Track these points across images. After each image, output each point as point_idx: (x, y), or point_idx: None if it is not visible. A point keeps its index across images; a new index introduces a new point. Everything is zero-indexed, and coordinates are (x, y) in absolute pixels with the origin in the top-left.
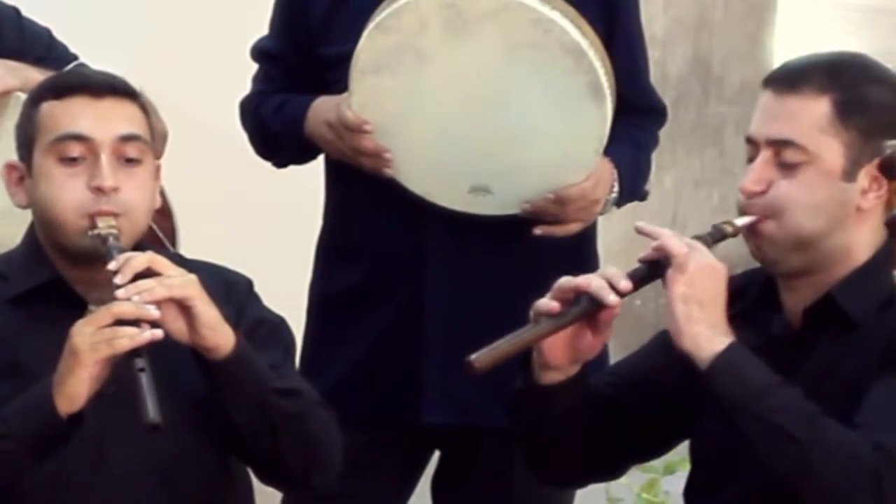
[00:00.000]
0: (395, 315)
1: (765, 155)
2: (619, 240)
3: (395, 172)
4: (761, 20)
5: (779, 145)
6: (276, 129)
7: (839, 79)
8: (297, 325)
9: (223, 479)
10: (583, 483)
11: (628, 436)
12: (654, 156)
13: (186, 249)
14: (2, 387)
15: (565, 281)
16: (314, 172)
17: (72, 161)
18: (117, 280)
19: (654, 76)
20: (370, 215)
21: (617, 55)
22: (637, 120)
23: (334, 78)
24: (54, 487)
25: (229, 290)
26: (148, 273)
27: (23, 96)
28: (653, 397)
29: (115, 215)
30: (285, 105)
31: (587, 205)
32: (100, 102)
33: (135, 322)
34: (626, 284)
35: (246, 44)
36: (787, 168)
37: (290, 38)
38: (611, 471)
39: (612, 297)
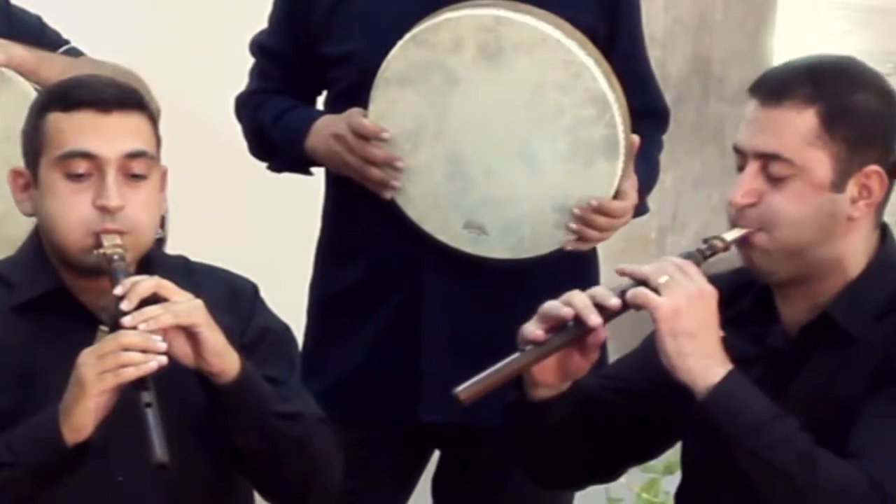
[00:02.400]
0: (394, 315)
1: (752, 167)
2: (618, 240)
3: (394, 193)
4: (761, 20)
5: (766, 158)
6: (274, 136)
7: (825, 89)
8: (298, 325)
9: (225, 490)
10: (581, 486)
11: (624, 438)
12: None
13: (186, 248)
14: (8, 398)
15: (550, 307)
16: (314, 172)
17: (78, 177)
18: (123, 306)
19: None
20: (369, 216)
21: (619, 57)
22: (644, 129)
23: (334, 77)
24: (57, 493)
25: (234, 297)
26: (154, 298)
27: (7, 72)
28: (648, 400)
29: (121, 233)
30: (285, 114)
31: (619, 225)
32: (107, 118)
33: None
34: (614, 302)
35: (245, 39)
36: (776, 181)
37: (290, 37)
38: (608, 473)
39: (594, 318)
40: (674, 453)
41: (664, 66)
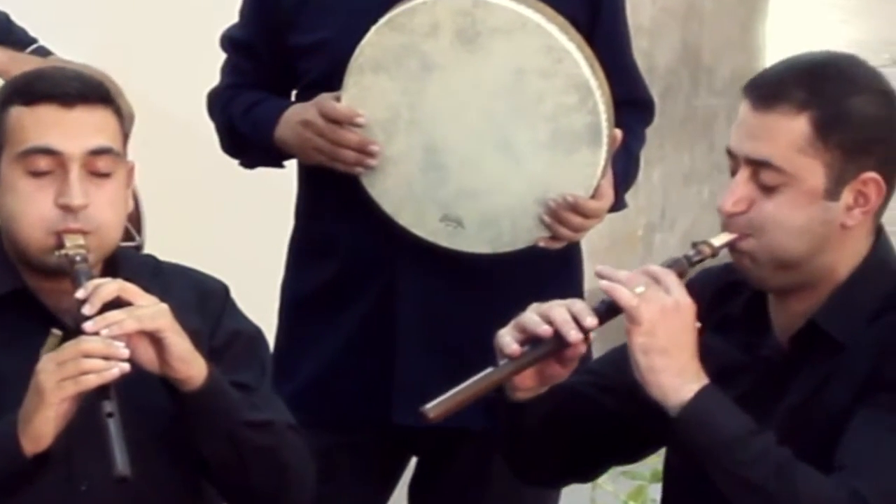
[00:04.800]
0: (367, 314)
1: (744, 173)
2: (603, 237)
3: (369, 185)
4: (753, 8)
5: (757, 165)
6: (244, 130)
7: (819, 93)
8: (269, 325)
9: (193, 500)
10: (561, 484)
11: (606, 437)
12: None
13: (156, 247)
14: None
15: (527, 321)
16: (287, 169)
17: (39, 174)
18: (85, 311)
19: (641, 68)
20: (341, 213)
21: (601, 45)
22: (627, 121)
23: (305, 68)
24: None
25: (204, 299)
26: (118, 302)
27: None
28: (630, 399)
29: (84, 233)
30: (255, 107)
31: (592, 225)
32: (70, 112)
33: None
34: (591, 321)
35: (217, 32)
36: (767, 188)
37: (260, 27)
38: (587, 472)
39: (573, 334)
40: (661, 461)
41: (651, 56)
